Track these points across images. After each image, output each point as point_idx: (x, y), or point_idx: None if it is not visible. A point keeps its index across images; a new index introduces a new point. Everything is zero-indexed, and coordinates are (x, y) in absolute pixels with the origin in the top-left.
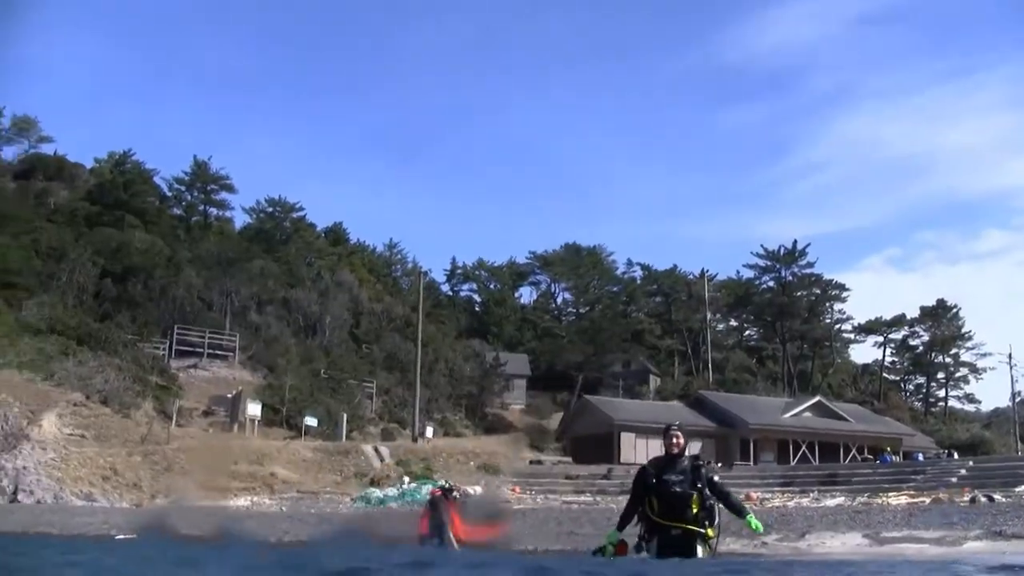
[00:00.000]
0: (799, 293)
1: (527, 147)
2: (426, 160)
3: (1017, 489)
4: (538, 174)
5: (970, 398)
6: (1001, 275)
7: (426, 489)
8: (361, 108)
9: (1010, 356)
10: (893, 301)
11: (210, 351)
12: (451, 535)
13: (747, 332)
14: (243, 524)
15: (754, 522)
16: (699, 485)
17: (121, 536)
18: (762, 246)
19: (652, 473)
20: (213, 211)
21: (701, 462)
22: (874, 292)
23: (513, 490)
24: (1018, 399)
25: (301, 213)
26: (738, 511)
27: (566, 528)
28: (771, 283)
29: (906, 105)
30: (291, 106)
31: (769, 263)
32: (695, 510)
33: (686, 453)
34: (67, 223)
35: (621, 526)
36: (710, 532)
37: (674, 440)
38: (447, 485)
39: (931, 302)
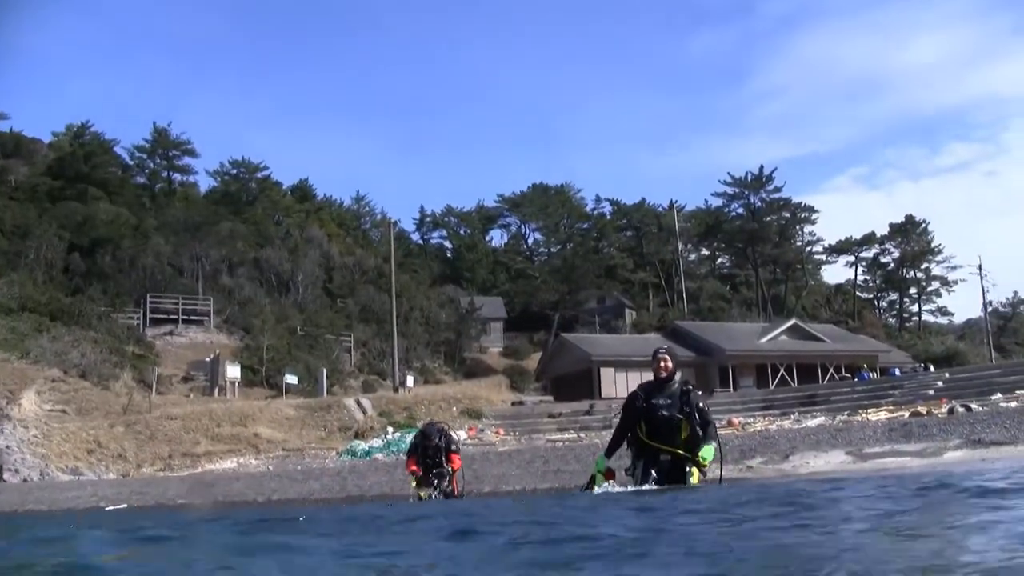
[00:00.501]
0: (769, 218)
1: (489, 85)
2: (386, 110)
3: (992, 397)
4: (502, 114)
5: (943, 311)
6: (965, 188)
7: (410, 438)
8: (318, 62)
9: (980, 267)
10: (861, 220)
11: (185, 317)
12: (451, 471)
13: (719, 260)
14: (231, 486)
15: (708, 453)
16: (687, 410)
17: (111, 507)
18: (729, 174)
19: (641, 397)
20: (177, 177)
21: (691, 387)
22: (842, 213)
23: (497, 432)
24: (989, 309)
25: (266, 172)
26: (703, 439)
27: (553, 466)
28: (740, 210)
29: (863, 22)
30: (247, 66)
31: (737, 190)
32: (684, 435)
33: (676, 377)
34: (29, 200)
35: (610, 452)
36: (703, 458)
37: (661, 364)
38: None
39: (898, 219)
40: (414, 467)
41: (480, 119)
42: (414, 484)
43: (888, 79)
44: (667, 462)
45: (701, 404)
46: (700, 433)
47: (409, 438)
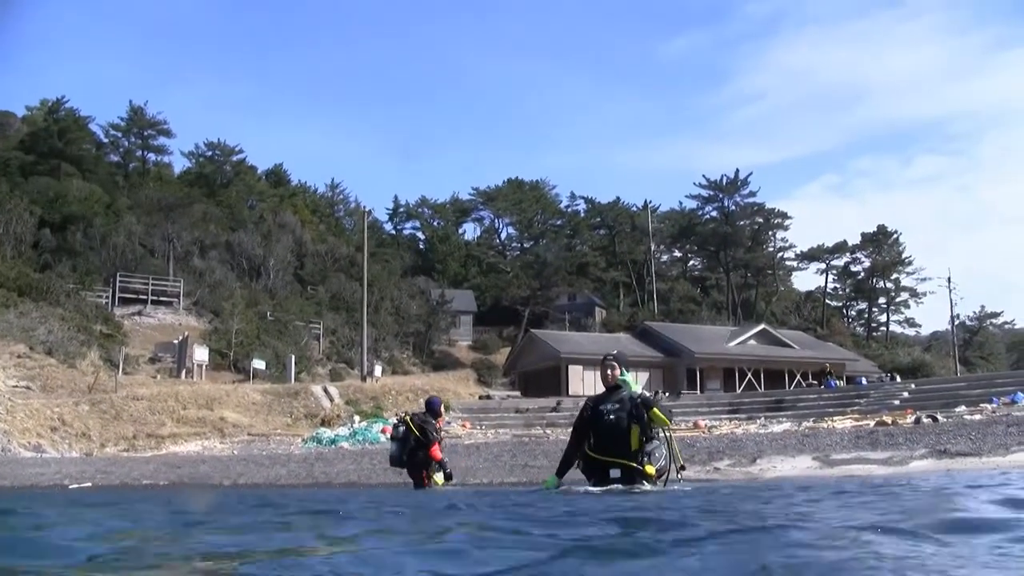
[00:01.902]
0: (742, 222)
1: (467, 81)
2: (364, 100)
3: (957, 409)
4: (479, 108)
5: (910, 322)
6: (936, 200)
7: (377, 427)
8: (297, 50)
9: (949, 280)
10: (831, 229)
11: (154, 298)
12: (434, 461)
13: (691, 262)
14: (198, 468)
15: (659, 416)
16: (638, 417)
17: (75, 485)
18: (704, 176)
19: (590, 406)
20: (151, 157)
21: (640, 398)
22: (811, 220)
23: (463, 425)
24: (957, 322)
25: (241, 156)
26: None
27: (520, 461)
28: (714, 213)
29: (842, 32)
30: (226, 50)
31: (712, 193)
32: (634, 446)
33: (634, 388)
34: (1, 173)
35: (561, 471)
36: (650, 469)
37: (608, 372)
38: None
39: (868, 228)
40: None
41: (457, 112)
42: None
43: (864, 89)
44: (617, 478)
45: (650, 400)
46: (662, 445)
47: (376, 427)
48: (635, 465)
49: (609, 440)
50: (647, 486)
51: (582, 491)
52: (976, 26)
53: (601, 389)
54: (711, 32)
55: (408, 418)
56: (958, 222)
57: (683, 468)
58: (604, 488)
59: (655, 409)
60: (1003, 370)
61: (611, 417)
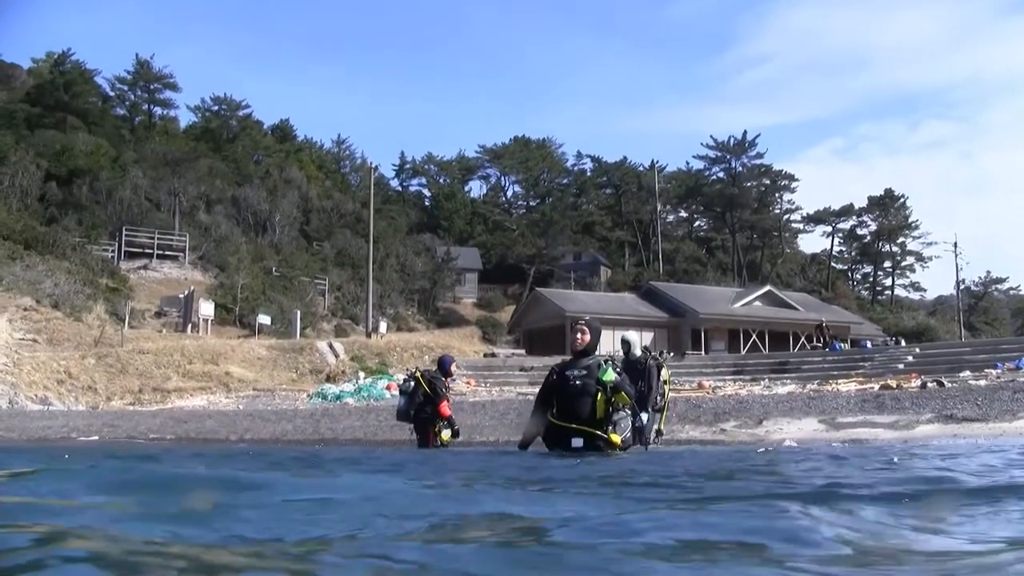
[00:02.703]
0: (748, 184)
1: (475, 38)
2: (372, 55)
3: (961, 375)
4: (488, 65)
5: (915, 286)
6: (942, 166)
7: (382, 384)
8: (303, 3)
9: (955, 245)
10: (837, 192)
11: (160, 252)
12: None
13: (697, 223)
14: (204, 424)
15: (617, 438)
16: (605, 383)
17: (84, 438)
18: (712, 137)
19: (556, 371)
20: (158, 110)
21: (607, 359)
22: (819, 183)
23: (468, 383)
24: (962, 287)
25: (247, 111)
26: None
27: (526, 419)
28: (721, 174)
29: None
30: (232, 3)
31: (719, 154)
32: (599, 414)
33: (599, 351)
34: (6, 126)
35: (523, 444)
36: (615, 438)
37: (577, 335)
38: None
39: (873, 192)
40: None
41: (464, 69)
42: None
43: (871, 54)
44: (579, 447)
45: (619, 374)
46: (618, 408)
47: (381, 384)
48: (599, 433)
49: (574, 407)
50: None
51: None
52: None
53: (608, 350)
54: None
55: (419, 374)
56: (964, 188)
57: (660, 433)
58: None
59: (622, 392)
60: (1008, 336)
61: (577, 383)
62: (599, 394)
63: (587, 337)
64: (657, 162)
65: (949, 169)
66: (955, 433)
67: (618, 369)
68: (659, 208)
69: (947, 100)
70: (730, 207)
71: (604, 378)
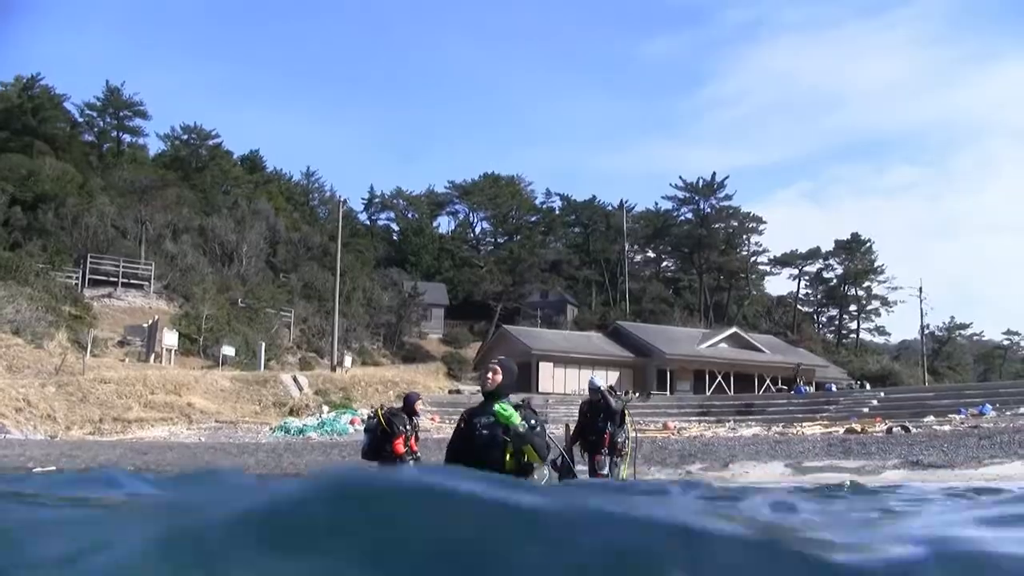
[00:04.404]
0: (716, 225)
1: (446, 76)
2: (343, 88)
3: (925, 419)
4: (457, 103)
5: (880, 330)
6: (909, 210)
7: (346, 419)
8: (278, 34)
9: (920, 290)
10: (804, 234)
11: (124, 280)
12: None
13: (664, 263)
14: (164, 455)
15: (532, 453)
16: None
17: (39, 469)
18: (681, 178)
19: (464, 417)
20: (127, 138)
21: (527, 405)
22: (786, 225)
23: (432, 419)
24: (926, 332)
25: (217, 140)
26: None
27: None
28: (689, 215)
29: (819, 40)
30: (205, 33)
31: (687, 195)
32: (508, 467)
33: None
34: None
35: None
36: None
37: (488, 375)
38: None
39: (841, 236)
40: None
41: (436, 106)
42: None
43: (840, 97)
44: None
45: (531, 425)
46: (538, 460)
47: (345, 418)
48: None
49: (481, 459)
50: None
51: None
52: (953, 37)
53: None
54: (689, 35)
55: (380, 411)
56: (928, 232)
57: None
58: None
59: (529, 446)
60: (971, 381)
61: (484, 432)
62: (507, 443)
63: (498, 377)
64: (626, 202)
65: (916, 213)
66: (923, 479)
67: (532, 420)
68: (627, 248)
69: (915, 144)
70: (698, 248)
71: (510, 424)
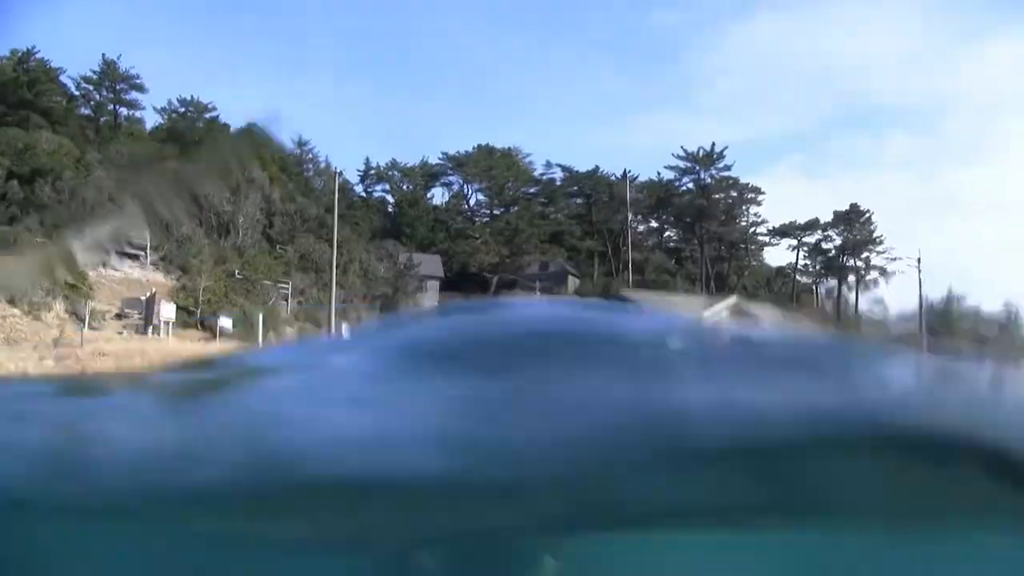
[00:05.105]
0: (717, 195)
1: (445, 47)
2: (338, 59)
3: None
4: (455, 75)
5: (879, 301)
6: (906, 183)
7: None
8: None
9: (919, 260)
10: (802, 206)
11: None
12: None
13: (667, 233)
14: None
15: None
16: None
17: None
18: (682, 147)
19: None
20: (123, 111)
21: None
22: (785, 196)
23: None
24: (924, 302)
25: (214, 113)
26: None
27: None
28: (690, 185)
29: (818, 12)
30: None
31: (689, 165)
32: None
33: None
34: None
35: None
36: None
37: None
38: None
39: (839, 207)
40: None
41: (433, 77)
42: None
43: (838, 69)
44: None
45: None
46: None
47: None
48: None
49: None
50: None
51: None
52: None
53: None
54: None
55: None
56: (926, 206)
57: None
58: None
59: None
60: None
61: None
62: None
63: None
64: (629, 171)
65: (913, 186)
66: None
67: None
68: (630, 218)
69: (914, 116)
70: (699, 218)
71: None
